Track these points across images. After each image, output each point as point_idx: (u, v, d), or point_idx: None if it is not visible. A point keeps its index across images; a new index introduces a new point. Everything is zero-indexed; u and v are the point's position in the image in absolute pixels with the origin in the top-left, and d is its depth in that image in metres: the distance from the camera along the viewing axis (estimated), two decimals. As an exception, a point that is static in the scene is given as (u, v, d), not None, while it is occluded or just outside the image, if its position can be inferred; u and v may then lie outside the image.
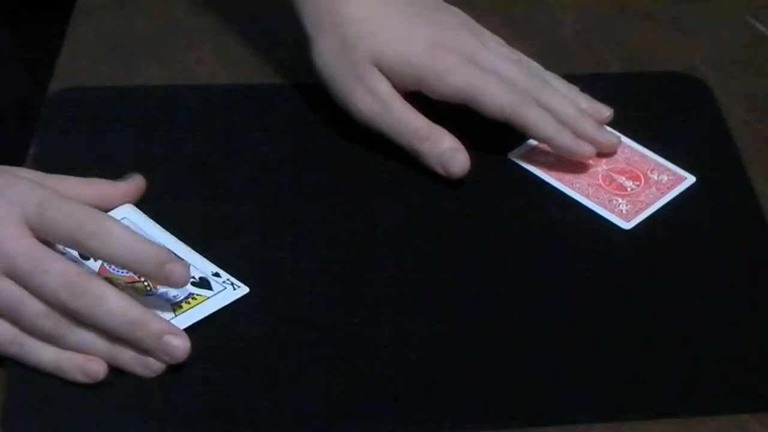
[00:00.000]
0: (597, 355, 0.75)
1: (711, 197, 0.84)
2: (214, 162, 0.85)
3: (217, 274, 0.76)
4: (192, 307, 0.74)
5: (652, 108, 0.90)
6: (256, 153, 0.85)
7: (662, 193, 0.84)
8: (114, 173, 0.82)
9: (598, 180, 0.85)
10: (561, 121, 0.84)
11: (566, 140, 0.84)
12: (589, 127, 0.85)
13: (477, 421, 0.71)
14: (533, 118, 0.83)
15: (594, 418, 0.72)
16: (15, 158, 0.83)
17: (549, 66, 0.92)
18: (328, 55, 0.85)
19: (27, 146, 0.84)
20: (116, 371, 0.71)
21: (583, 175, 0.85)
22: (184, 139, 0.86)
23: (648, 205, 0.83)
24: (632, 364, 0.74)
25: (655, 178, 0.85)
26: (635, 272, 0.79)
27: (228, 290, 0.76)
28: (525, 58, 0.88)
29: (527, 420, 0.71)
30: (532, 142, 0.86)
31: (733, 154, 0.87)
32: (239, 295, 0.76)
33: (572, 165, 0.85)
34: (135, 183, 0.80)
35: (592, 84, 0.91)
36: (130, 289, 0.73)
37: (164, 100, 0.89)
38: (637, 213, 0.83)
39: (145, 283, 0.74)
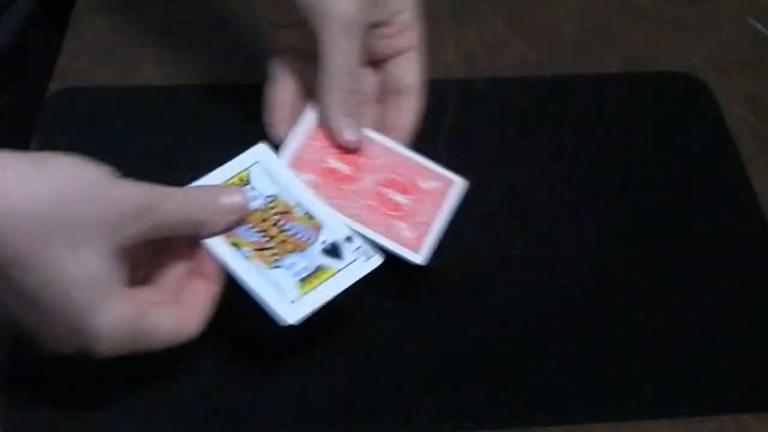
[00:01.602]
0: (597, 355, 0.75)
1: (711, 197, 0.84)
2: (214, 162, 0.85)
3: (349, 239, 0.69)
4: (321, 283, 0.68)
5: (652, 108, 0.90)
6: (256, 153, 0.85)
7: (437, 206, 0.70)
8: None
9: (368, 199, 0.69)
10: None
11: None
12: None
13: (477, 421, 0.71)
14: None
15: (594, 418, 0.72)
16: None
17: (549, 66, 0.92)
18: None
19: (27, 146, 0.84)
20: (115, 371, 0.71)
21: (350, 194, 0.69)
22: (184, 139, 0.86)
23: (429, 225, 0.69)
24: (632, 364, 0.74)
25: (426, 186, 0.70)
26: (635, 273, 0.79)
27: (360, 261, 0.69)
28: None
29: (527, 420, 0.72)
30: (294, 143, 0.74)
31: (733, 154, 0.87)
32: (372, 267, 0.69)
33: (333, 178, 0.70)
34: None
35: (592, 84, 0.91)
36: (256, 257, 0.68)
37: (164, 100, 0.89)
38: (421, 238, 0.68)
39: (274, 250, 0.69)
